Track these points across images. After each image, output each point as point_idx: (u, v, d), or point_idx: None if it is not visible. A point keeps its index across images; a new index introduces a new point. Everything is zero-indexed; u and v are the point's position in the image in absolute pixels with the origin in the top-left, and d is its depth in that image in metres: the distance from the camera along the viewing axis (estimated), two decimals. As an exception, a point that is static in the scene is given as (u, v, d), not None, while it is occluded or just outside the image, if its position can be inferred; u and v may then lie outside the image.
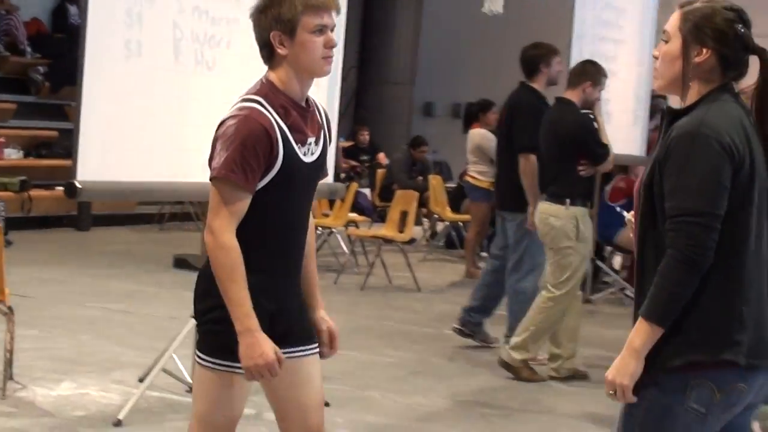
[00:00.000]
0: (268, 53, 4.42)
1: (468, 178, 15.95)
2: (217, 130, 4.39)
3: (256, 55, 8.22)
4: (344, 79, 24.96)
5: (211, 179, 4.35)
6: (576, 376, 9.87)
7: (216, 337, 4.36)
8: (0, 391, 8.08)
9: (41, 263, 14.29)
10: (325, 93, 9.13)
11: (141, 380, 8.15)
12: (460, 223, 18.18)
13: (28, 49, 20.04)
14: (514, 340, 9.72)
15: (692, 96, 4.05)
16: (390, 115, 24.69)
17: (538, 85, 10.64)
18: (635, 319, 3.95)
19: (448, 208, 18.08)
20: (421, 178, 18.80)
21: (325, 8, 4.35)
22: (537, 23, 18.50)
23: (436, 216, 19.02)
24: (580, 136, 9.87)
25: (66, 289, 12.69)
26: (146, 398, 8.02)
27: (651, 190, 3.97)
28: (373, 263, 15.01)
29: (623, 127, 10.58)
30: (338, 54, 9.10)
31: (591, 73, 10.10)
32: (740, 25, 4.01)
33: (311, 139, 4.48)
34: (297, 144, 4.39)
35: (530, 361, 9.86)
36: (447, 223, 18.77)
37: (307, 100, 4.52)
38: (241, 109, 4.35)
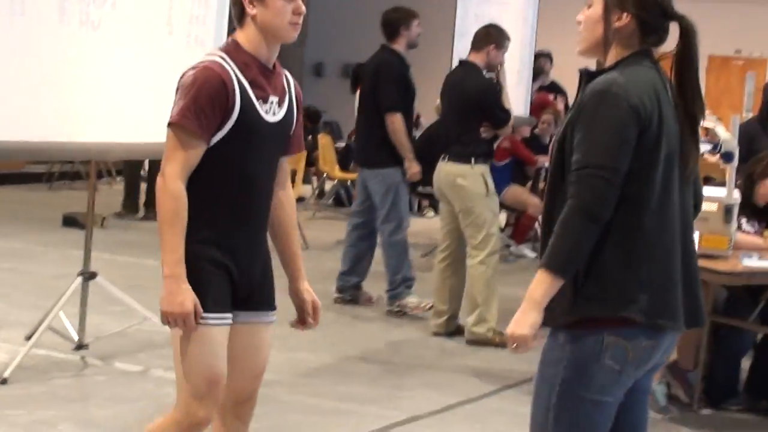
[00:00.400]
0: (239, 12, 4.46)
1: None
2: (179, 80, 4.42)
3: (142, 15, 8.35)
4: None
5: (167, 125, 4.37)
6: (459, 332, 10.02)
7: None
8: None
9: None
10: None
11: (27, 338, 8.15)
12: (349, 182, 18.26)
13: None
14: (470, 318, 9.87)
15: (611, 59, 4.15)
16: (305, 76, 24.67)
17: (399, 46, 10.87)
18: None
19: (337, 167, 18.21)
20: (310, 137, 18.86)
21: None
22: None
23: (325, 175, 19.13)
24: (483, 100, 10.10)
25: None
26: (32, 356, 8.03)
27: (562, 148, 4.06)
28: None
29: (508, 88, 10.72)
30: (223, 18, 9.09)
31: (495, 36, 10.29)
32: None
33: (273, 99, 4.52)
34: (258, 100, 4.43)
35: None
36: (336, 181, 18.91)
37: (275, 65, 4.55)
38: (202, 61, 4.41)
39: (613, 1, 4.11)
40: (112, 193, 15.95)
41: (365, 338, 9.51)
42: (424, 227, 16.64)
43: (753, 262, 7.81)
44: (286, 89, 4.62)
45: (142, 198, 15.56)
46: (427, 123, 17.17)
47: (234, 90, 4.35)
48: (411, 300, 10.58)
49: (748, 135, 11.00)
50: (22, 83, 7.59)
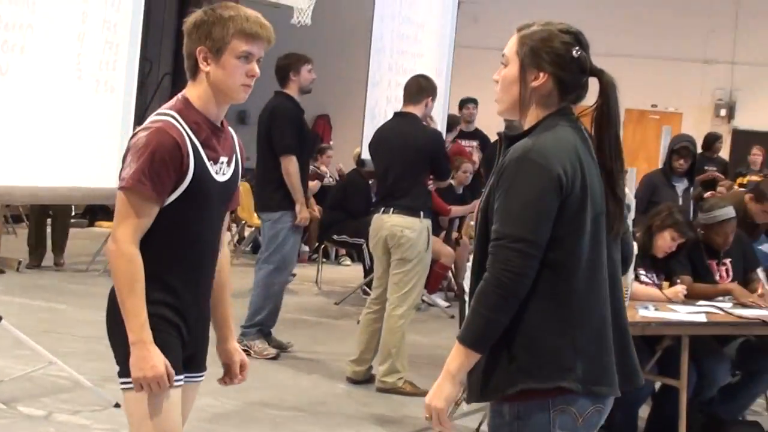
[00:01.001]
0: (192, 66, 4.39)
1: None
2: (129, 141, 4.33)
3: (51, 61, 8.34)
4: (159, 84, 25.03)
5: (119, 189, 4.27)
6: (371, 381, 10.02)
7: None
8: None
9: None
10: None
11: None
12: (267, 229, 18.23)
13: None
14: (382, 368, 9.83)
15: (530, 120, 4.07)
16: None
17: (291, 91, 10.92)
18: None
19: (255, 215, 18.23)
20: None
21: (257, 38, 4.35)
22: (340, 35, 18.68)
23: (243, 222, 19.06)
24: (435, 151, 10.08)
25: None
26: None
27: (486, 216, 3.99)
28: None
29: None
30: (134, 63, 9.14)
31: (430, 88, 10.24)
32: (577, 48, 4.04)
33: (224, 159, 4.46)
34: (209, 161, 4.37)
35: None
36: (254, 228, 18.90)
37: (222, 123, 4.49)
38: (153, 121, 4.31)
39: (529, 60, 4.04)
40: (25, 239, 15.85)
41: (272, 384, 9.53)
42: (340, 275, 16.70)
43: (649, 313, 7.88)
44: (233, 146, 4.58)
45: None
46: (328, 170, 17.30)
47: (188, 153, 4.27)
48: (258, 344, 10.66)
49: (651, 185, 11.18)
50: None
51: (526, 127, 4.07)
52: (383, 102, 11.08)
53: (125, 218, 4.25)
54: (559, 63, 4.02)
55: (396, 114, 10.48)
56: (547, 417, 3.91)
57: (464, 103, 18.04)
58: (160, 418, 4.34)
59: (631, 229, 5.23)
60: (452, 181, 15.50)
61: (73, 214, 19.66)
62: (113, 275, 4.28)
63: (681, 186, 11.20)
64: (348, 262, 18.25)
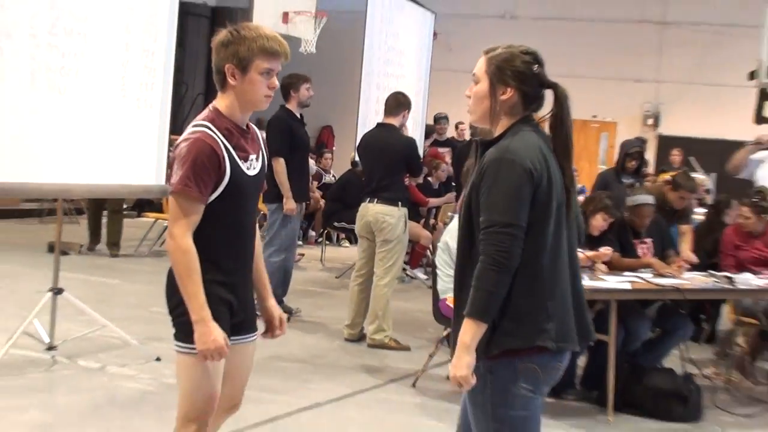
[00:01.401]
0: (221, 80, 4.36)
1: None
2: (174, 151, 4.33)
3: (100, 83, 8.35)
4: (194, 102, 24.91)
5: (170, 193, 4.27)
6: (363, 339, 10.14)
7: (189, 326, 4.24)
8: None
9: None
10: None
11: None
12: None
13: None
14: (370, 328, 9.99)
15: (500, 128, 4.06)
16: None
17: (291, 105, 10.87)
18: (456, 320, 3.99)
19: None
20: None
21: (276, 56, 4.33)
22: (338, 61, 18.65)
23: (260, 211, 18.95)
24: (409, 154, 10.29)
25: (-46, 269, 12.51)
26: (11, 355, 7.99)
27: (469, 209, 4.00)
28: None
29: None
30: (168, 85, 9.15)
31: (406, 103, 10.40)
32: (536, 66, 4.05)
33: (252, 156, 4.44)
34: (241, 160, 4.34)
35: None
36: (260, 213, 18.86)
37: (247, 125, 4.48)
38: (192, 132, 4.29)
39: (497, 78, 4.04)
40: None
41: (283, 342, 9.45)
42: (340, 255, 16.69)
43: (584, 282, 7.87)
44: (259, 143, 4.57)
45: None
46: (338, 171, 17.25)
47: (224, 156, 4.26)
48: None
49: (604, 181, 11.23)
50: (2, 137, 7.58)
51: (496, 134, 4.08)
52: (372, 115, 11.15)
53: (178, 217, 4.24)
54: (522, 79, 4.04)
55: (378, 124, 10.62)
56: (515, 371, 3.94)
57: (438, 119, 18.19)
58: (202, 379, 4.34)
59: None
60: (430, 179, 15.59)
61: (124, 207, 19.75)
62: (173, 265, 4.27)
63: (627, 181, 11.21)
64: (347, 244, 18.22)
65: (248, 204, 4.49)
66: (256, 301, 4.74)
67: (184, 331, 4.29)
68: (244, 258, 4.52)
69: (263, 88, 4.35)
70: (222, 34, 4.38)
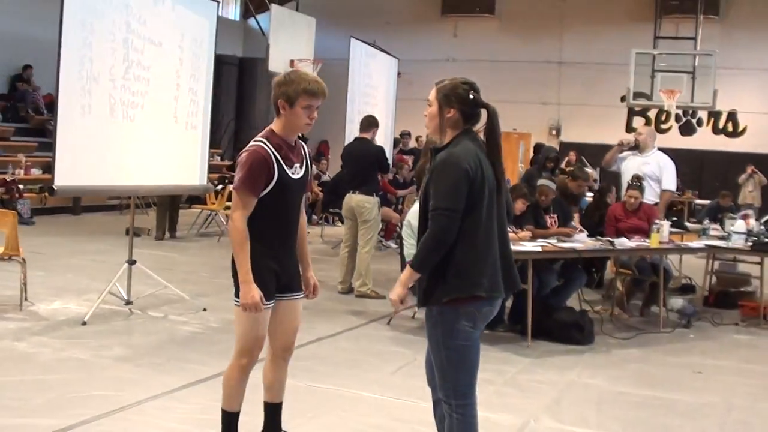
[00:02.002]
0: (276, 109, 4.35)
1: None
2: (238, 158, 4.32)
3: (159, 113, 8.39)
4: (227, 126, 24.78)
5: (233, 189, 4.30)
6: (352, 291, 10.09)
7: None
8: (18, 307, 8.07)
9: (51, 234, 14.02)
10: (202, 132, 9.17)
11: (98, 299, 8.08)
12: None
13: (45, 111, 19.52)
14: (357, 283, 9.99)
15: (447, 137, 4.05)
16: (254, 146, 24.43)
17: (274, 127, 10.86)
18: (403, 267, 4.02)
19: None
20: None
21: (316, 96, 4.29)
22: (331, 94, 18.59)
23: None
24: (380, 158, 10.34)
25: (62, 249, 12.43)
26: (101, 309, 7.99)
27: (426, 197, 4.00)
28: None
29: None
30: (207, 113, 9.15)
31: (374, 122, 10.50)
32: (473, 92, 4.04)
33: (297, 164, 4.38)
34: (286, 166, 4.31)
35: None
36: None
37: (296, 141, 4.45)
38: (252, 145, 4.29)
39: (444, 101, 4.03)
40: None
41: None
42: (335, 232, 16.59)
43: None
44: (303, 156, 4.50)
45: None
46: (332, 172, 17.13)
47: (273, 164, 4.24)
48: None
49: (529, 175, 11.28)
50: (92, 153, 7.62)
51: (444, 142, 4.07)
52: (355, 132, 11.12)
53: (237, 207, 4.25)
54: (462, 102, 4.03)
55: (356, 138, 10.67)
56: (458, 314, 3.93)
57: (403, 135, 18.43)
58: (251, 325, 4.30)
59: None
60: (398, 176, 15.55)
61: (182, 201, 19.67)
62: (231, 241, 4.27)
63: (545, 176, 11.26)
64: (340, 224, 18.13)
65: (293, 199, 4.43)
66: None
67: (238, 290, 4.27)
68: (288, 238, 4.47)
69: (305, 119, 4.32)
70: (279, 77, 4.39)
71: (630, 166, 10.55)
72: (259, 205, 4.28)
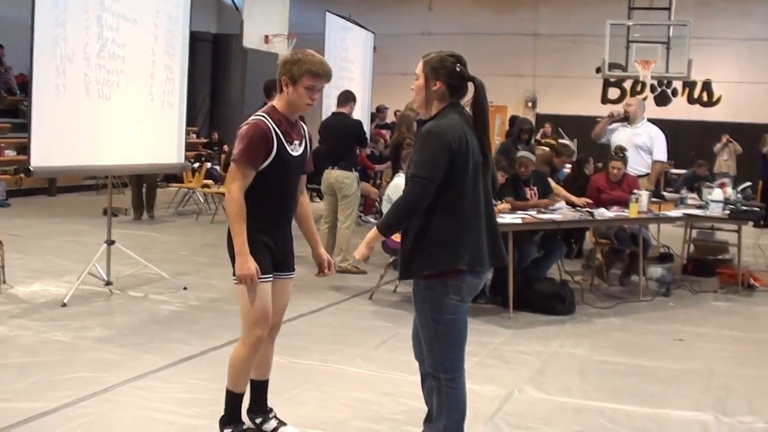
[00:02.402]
0: (279, 86, 4.32)
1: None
2: (238, 131, 4.28)
3: (135, 91, 8.31)
4: (202, 103, 24.64)
5: (231, 160, 4.25)
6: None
7: None
8: (-4, 289, 7.98)
9: (27, 216, 13.87)
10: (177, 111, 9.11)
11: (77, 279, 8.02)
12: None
13: (17, 91, 19.36)
14: (337, 258, 9.86)
15: (434, 110, 4.04)
16: (230, 122, 24.22)
17: (273, 102, 10.74)
18: (402, 244, 4.00)
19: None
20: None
21: (319, 77, 4.25)
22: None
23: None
24: (359, 132, 10.26)
25: (39, 230, 12.32)
26: (80, 290, 7.92)
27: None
28: (217, 208, 14.92)
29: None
30: (183, 90, 9.09)
31: (351, 97, 10.39)
32: (459, 65, 4.03)
33: (296, 141, 4.35)
34: (286, 142, 4.28)
35: None
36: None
37: (296, 120, 4.41)
38: (253, 119, 4.28)
39: (430, 74, 4.02)
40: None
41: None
42: (313, 207, 16.57)
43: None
44: (303, 134, 4.48)
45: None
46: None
47: (273, 138, 4.22)
48: None
49: (505, 148, 11.24)
50: (68, 133, 7.52)
51: (431, 114, 4.06)
52: (332, 107, 11.06)
53: (235, 179, 4.21)
54: (448, 74, 4.02)
55: (333, 113, 10.56)
56: (445, 286, 3.92)
57: (380, 109, 18.21)
58: (255, 299, 4.25)
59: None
60: (375, 150, 15.53)
61: (158, 180, 19.55)
62: (228, 213, 4.23)
63: (521, 148, 11.25)
64: (319, 200, 18.07)
65: (291, 175, 4.40)
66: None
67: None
68: (284, 214, 4.44)
69: (306, 99, 4.29)
70: (287, 55, 4.39)
71: (621, 137, 10.58)
72: (256, 180, 4.25)
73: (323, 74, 4.29)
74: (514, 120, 18.42)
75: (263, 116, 4.29)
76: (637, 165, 10.38)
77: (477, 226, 3.98)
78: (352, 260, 9.92)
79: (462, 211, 3.93)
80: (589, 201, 9.31)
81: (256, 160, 4.22)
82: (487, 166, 4.07)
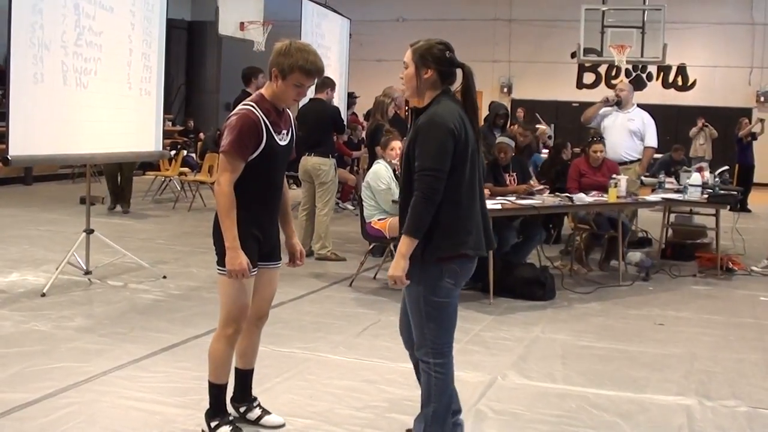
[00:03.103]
0: (270, 76, 4.23)
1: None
2: (226, 121, 4.22)
3: (113, 79, 8.26)
4: (178, 90, 24.54)
5: (220, 152, 4.17)
6: (312, 254, 9.95)
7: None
8: (-29, 279, 7.90)
9: (3, 205, 13.79)
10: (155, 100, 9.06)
11: (56, 269, 7.97)
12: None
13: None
14: (316, 246, 9.90)
15: (427, 99, 4.00)
16: (205, 110, 24.21)
17: (250, 89, 10.70)
18: (400, 236, 3.93)
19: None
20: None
21: (310, 75, 4.18)
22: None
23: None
24: (336, 119, 10.16)
25: (16, 220, 12.25)
26: (60, 279, 7.87)
27: (408, 158, 3.95)
28: (194, 195, 14.85)
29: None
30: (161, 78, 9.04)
31: (329, 83, 10.29)
32: (448, 52, 3.99)
33: (284, 131, 4.29)
34: (275, 132, 4.22)
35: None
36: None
37: (283, 108, 4.33)
38: (241, 108, 4.20)
39: (420, 62, 3.97)
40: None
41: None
42: (291, 195, 16.58)
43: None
44: (290, 122, 4.41)
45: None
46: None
47: (262, 129, 4.15)
48: None
49: (481, 133, 11.17)
50: (46, 122, 7.45)
51: (424, 104, 4.01)
52: (310, 93, 10.99)
53: (224, 170, 4.15)
54: (438, 62, 3.98)
55: (311, 99, 10.39)
56: (442, 271, 3.91)
57: (356, 97, 18.13)
58: (237, 293, 4.22)
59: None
60: (353, 137, 15.51)
61: (135, 168, 19.43)
62: (217, 205, 4.15)
63: (497, 133, 11.26)
64: (296, 187, 18.07)
65: (279, 165, 4.35)
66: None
67: (222, 259, 4.18)
68: (272, 204, 4.39)
69: (293, 94, 4.23)
70: (282, 44, 4.26)
71: (614, 122, 10.58)
72: (245, 171, 4.19)
73: (315, 72, 4.22)
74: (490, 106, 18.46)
75: (252, 106, 4.22)
76: (630, 150, 10.40)
77: (475, 211, 3.99)
78: (330, 246, 9.90)
79: (462, 196, 3.92)
80: (532, 185, 9.29)
81: (246, 152, 4.16)
82: (479, 150, 4.07)
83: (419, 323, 4.06)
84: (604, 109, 10.80)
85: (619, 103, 10.72)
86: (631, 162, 10.45)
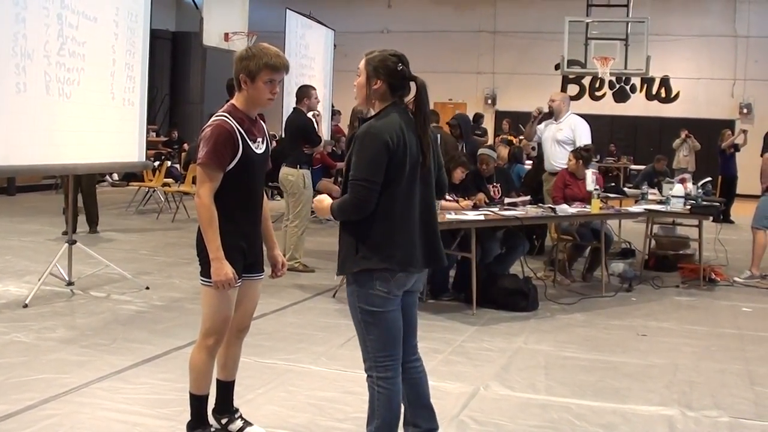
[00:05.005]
0: (237, 84, 4.24)
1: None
2: (201, 133, 4.20)
3: (96, 89, 8.21)
4: (162, 101, 24.48)
5: (197, 164, 4.15)
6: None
7: (210, 266, 4.10)
8: (-48, 290, 7.85)
9: (-19, 215, 13.78)
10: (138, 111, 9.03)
11: (39, 280, 7.93)
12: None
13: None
14: (286, 257, 9.67)
15: (376, 108, 4.01)
16: (189, 121, 24.16)
17: (236, 101, 10.66)
18: (340, 238, 3.97)
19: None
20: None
21: (277, 70, 4.20)
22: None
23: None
24: (305, 130, 9.94)
25: (-4, 229, 12.25)
26: (42, 290, 7.84)
27: (349, 166, 3.94)
28: (178, 206, 14.84)
29: (322, 124, 10.91)
30: (144, 89, 9.01)
31: (306, 92, 10.18)
32: (401, 65, 3.98)
33: (259, 139, 4.29)
34: (250, 141, 4.21)
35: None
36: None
37: (256, 117, 4.35)
38: (214, 120, 4.19)
39: (371, 72, 3.98)
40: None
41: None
42: (275, 205, 16.54)
43: (452, 216, 7.90)
44: (264, 131, 4.41)
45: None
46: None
47: (237, 138, 4.14)
48: None
49: (437, 147, 11.22)
50: (29, 132, 7.42)
51: (372, 113, 4.03)
52: (293, 104, 11.03)
53: (203, 182, 4.12)
54: (389, 74, 3.97)
55: (294, 108, 10.35)
56: (371, 277, 3.90)
57: (334, 113, 18.20)
58: (220, 305, 4.20)
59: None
60: (336, 149, 15.52)
61: (118, 179, 19.34)
62: (199, 218, 4.14)
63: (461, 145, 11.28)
64: (278, 198, 18.07)
65: (257, 174, 4.34)
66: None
67: (206, 269, 4.16)
68: (253, 214, 4.37)
69: (267, 93, 4.23)
70: (241, 51, 4.29)
71: (547, 135, 10.60)
72: (224, 181, 4.17)
73: (281, 66, 4.24)
74: (477, 117, 18.55)
75: (225, 116, 4.21)
76: (559, 159, 10.31)
77: (409, 227, 3.96)
78: (299, 257, 9.92)
79: (395, 211, 3.90)
80: (479, 201, 9.11)
81: (223, 162, 4.14)
82: (425, 165, 4.03)
83: (361, 336, 4.05)
84: (543, 123, 10.81)
85: (551, 114, 10.73)
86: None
